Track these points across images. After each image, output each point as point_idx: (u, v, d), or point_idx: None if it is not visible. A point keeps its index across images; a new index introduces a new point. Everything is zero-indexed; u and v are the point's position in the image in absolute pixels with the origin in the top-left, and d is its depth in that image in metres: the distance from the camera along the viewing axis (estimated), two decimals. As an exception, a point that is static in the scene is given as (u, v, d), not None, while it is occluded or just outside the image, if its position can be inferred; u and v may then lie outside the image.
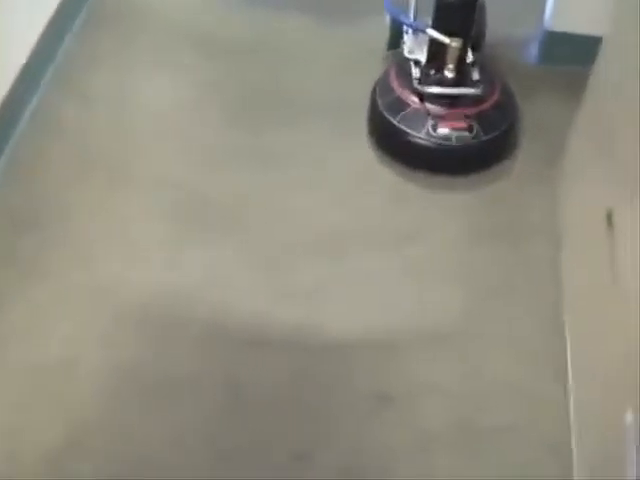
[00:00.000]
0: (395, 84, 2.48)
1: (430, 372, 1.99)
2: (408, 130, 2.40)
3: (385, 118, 2.44)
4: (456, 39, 2.36)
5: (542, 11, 2.77)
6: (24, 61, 2.44)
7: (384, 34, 2.67)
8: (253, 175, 2.39)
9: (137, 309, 2.07)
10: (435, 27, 2.38)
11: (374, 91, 2.53)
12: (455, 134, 2.38)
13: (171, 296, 2.11)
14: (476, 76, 2.45)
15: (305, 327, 2.06)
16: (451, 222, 2.31)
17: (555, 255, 2.19)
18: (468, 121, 2.39)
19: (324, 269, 2.18)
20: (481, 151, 2.44)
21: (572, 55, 2.62)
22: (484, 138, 2.40)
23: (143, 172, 2.39)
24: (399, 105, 2.44)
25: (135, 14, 2.88)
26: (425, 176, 2.41)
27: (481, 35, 2.56)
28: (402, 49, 2.56)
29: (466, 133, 2.38)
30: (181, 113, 2.57)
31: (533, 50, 2.77)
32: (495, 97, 2.47)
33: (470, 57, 2.45)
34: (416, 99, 2.43)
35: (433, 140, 2.38)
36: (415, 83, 2.43)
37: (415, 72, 2.46)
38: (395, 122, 2.42)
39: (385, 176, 2.42)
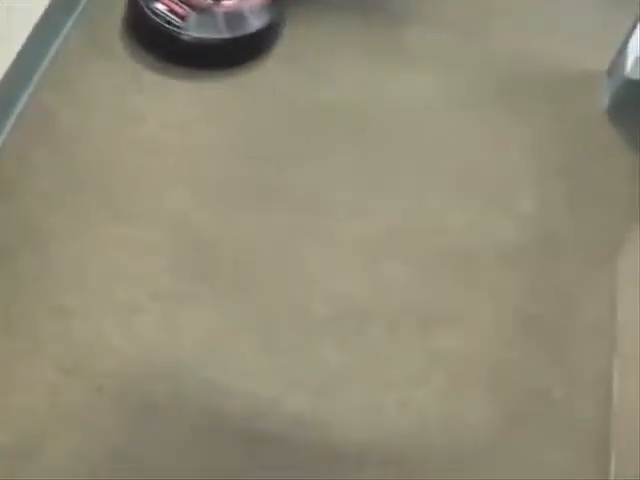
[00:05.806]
0: None
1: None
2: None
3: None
4: None
5: (616, 46, 2.40)
6: (14, 56, 2.07)
7: None
8: (270, 221, 2.04)
9: (116, 381, 1.76)
10: None
11: None
12: (169, 16, 2.19)
13: (157, 368, 1.79)
14: None
15: (309, 428, 1.75)
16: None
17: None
18: (187, 9, 2.18)
19: (339, 354, 1.86)
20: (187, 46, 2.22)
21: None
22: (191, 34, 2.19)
23: (141, 201, 2.03)
24: None
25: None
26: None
27: None
28: None
29: (178, 20, 2.18)
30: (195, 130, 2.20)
31: (604, 96, 2.39)
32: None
33: None
34: None
35: (149, 14, 2.20)
36: None
37: None
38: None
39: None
